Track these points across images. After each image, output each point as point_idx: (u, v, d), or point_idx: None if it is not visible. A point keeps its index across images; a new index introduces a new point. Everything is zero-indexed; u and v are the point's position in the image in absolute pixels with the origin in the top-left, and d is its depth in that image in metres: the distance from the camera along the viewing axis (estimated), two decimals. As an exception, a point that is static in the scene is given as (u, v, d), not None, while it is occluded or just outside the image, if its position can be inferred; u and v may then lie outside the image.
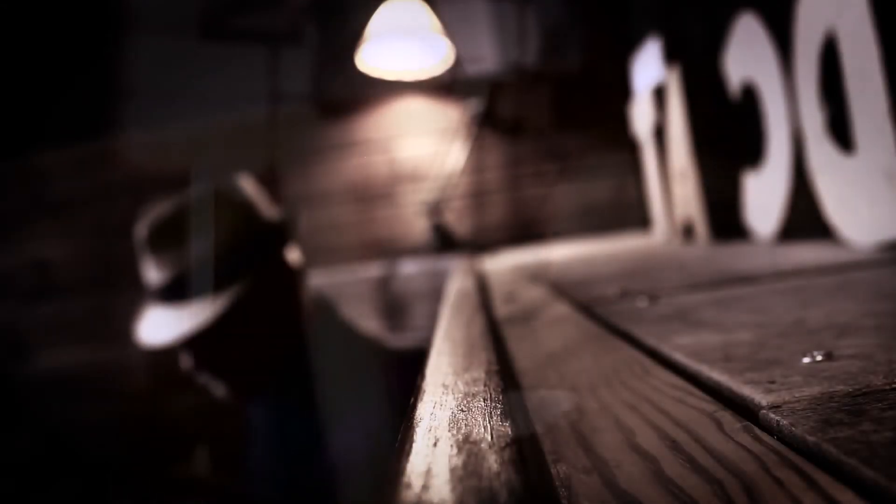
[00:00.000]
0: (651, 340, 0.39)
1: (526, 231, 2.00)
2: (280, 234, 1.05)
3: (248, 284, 0.97)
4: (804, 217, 0.85)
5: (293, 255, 1.07)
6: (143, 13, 2.12)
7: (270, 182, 1.50)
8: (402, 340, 1.36)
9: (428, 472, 0.18)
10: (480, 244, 1.94)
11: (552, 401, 0.31)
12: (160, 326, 0.97)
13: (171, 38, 2.09)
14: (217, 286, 0.96)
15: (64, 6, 2.25)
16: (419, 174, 2.03)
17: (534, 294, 0.73)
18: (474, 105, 1.97)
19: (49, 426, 2.11)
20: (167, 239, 0.97)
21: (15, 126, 2.23)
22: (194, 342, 0.97)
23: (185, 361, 1.01)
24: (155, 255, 0.98)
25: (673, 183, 1.21)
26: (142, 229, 0.99)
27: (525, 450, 0.20)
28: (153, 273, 0.99)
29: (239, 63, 2.10)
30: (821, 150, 0.74)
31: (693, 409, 0.26)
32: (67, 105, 2.19)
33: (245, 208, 1.02)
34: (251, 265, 0.99)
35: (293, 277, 1.05)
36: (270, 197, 1.13)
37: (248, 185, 1.06)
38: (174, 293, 0.97)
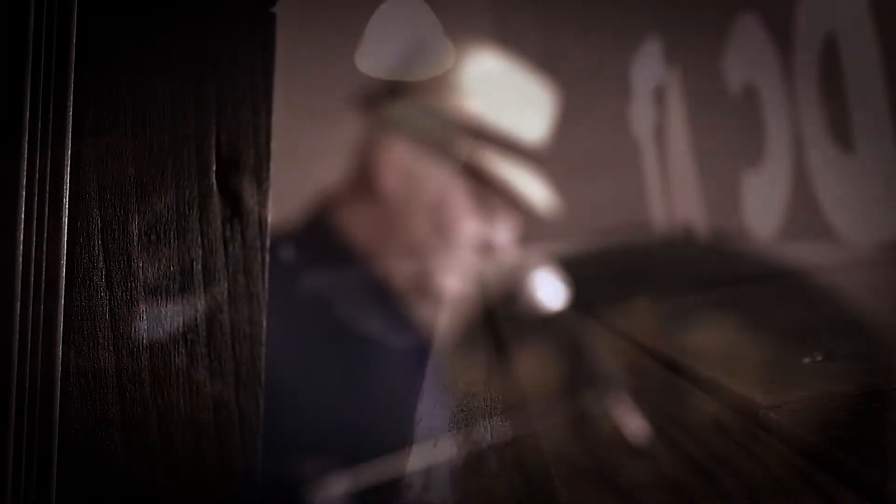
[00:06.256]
0: (651, 340, 0.39)
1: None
2: None
3: None
4: (804, 217, 0.85)
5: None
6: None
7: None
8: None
9: (428, 472, 0.18)
10: (480, 244, 1.94)
11: (552, 400, 0.31)
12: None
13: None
14: None
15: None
16: (419, 174, 2.02)
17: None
18: (474, 105, 1.96)
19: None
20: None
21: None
22: None
23: None
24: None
25: (673, 183, 1.21)
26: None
27: (525, 450, 0.20)
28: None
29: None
30: (821, 150, 0.74)
31: (693, 409, 0.26)
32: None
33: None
34: None
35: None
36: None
37: None
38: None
